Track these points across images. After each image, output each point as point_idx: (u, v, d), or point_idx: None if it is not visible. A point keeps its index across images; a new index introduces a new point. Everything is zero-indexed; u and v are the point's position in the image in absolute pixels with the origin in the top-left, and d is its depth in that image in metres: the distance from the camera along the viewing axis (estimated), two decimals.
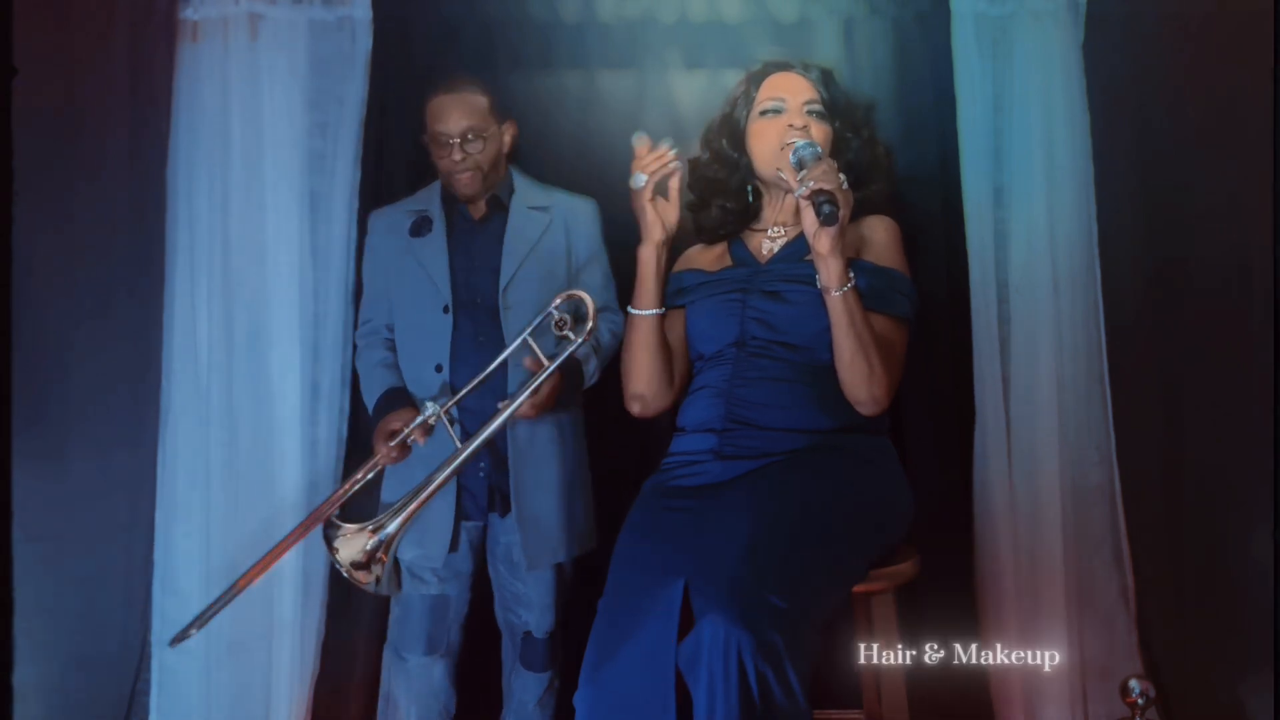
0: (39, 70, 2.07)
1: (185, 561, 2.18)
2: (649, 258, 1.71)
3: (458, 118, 1.96)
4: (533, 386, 1.84)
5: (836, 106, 1.80)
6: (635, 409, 1.78)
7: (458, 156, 1.96)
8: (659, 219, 1.69)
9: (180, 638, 1.92)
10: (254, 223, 2.21)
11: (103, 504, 2.17)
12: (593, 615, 1.52)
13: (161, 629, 2.19)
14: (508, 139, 2.06)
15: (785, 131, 1.73)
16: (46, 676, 2.08)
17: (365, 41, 2.23)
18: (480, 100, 2.00)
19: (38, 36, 2.09)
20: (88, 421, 2.16)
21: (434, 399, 1.90)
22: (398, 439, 1.90)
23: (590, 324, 1.86)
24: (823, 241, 1.53)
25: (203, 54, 2.21)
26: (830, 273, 1.56)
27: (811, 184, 1.53)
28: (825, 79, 1.81)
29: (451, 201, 2.06)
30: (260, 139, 2.21)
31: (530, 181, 2.09)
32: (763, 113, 1.79)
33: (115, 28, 2.20)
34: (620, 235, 2.24)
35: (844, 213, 1.52)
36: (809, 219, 1.53)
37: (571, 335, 1.86)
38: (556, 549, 1.98)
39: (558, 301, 1.87)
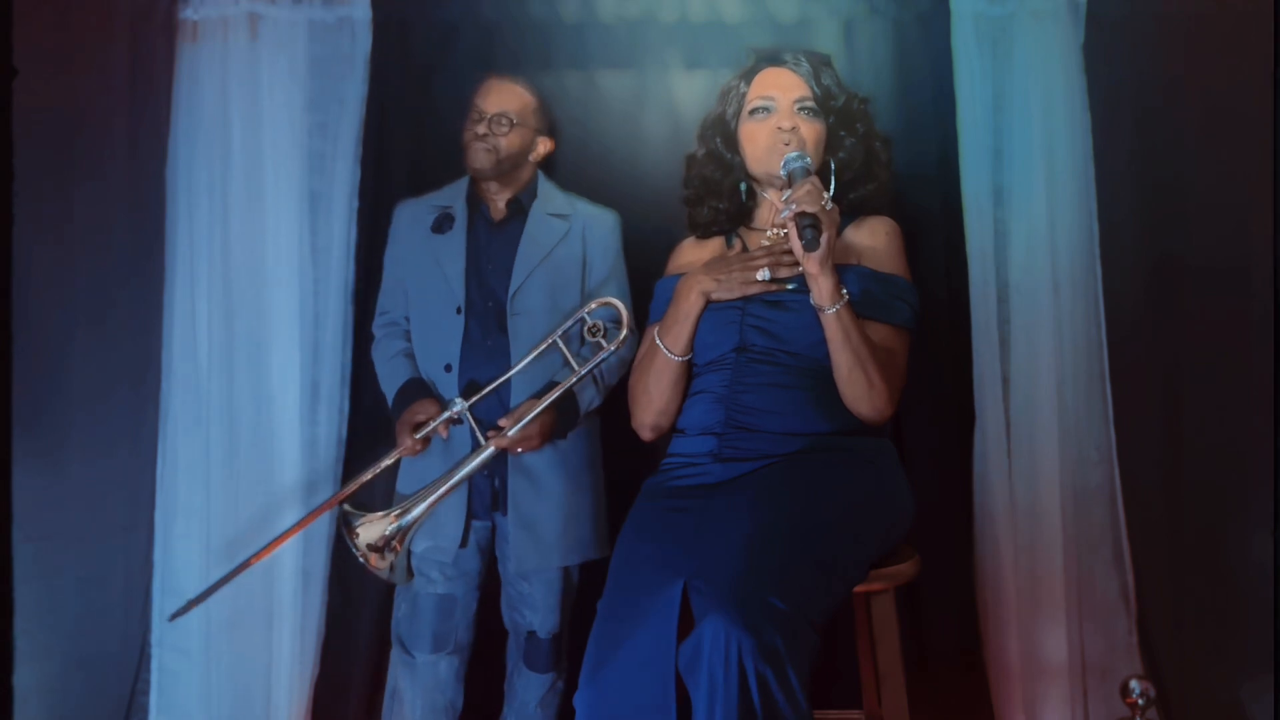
0: (39, 70, 2.07)
1: (185, 561, 2.18)
2: (700, 304, 1.70)
3: (497, 99, 2.04)
4: (549, 399, 1.88)
5: (830, 102, 1.78)
6: (648, 436, 1.77)
7: (481, 130, 2.01)
8: (744, 290, 1.68)
9: (182, 612, 1.95)
10: (254, 223, 2.21)
11: (103, 504, 2.16)
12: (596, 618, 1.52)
13: (161, 629, 2.19)
14: (541, 149, 2.10)
15: (775, 133, 1.73)
16: (46, 677, 2.08)
17: (365, 41, 2.23)
18: (528, 97, 2.08)
19: (38, 36, 2.09)
20: (87, 421, 2.16)
21: (462, 395, 1.91)
22: (423, 431, 1.91)
23: (624, 332, 1.87)
24: (810, 262, 1.54)
25: (202, 54, 2.22)
26: (821, 291, 1.56)
27: (794, 207, 1.53)
28: (817, 71, 1.78)
29: (475, 201, 2.08)
30: (260, 139, 2.21)
31: (555, 189, 2.11)
32: (752, 112, 1.77)
33: (115, 28, 2.20)
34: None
35: (828, 235, 1.53)
36: (796, 240, 1.54)
37: (604, 343, 1.87)
38: (550, 555, 1.97)
39: (592, 306, 1.91)
